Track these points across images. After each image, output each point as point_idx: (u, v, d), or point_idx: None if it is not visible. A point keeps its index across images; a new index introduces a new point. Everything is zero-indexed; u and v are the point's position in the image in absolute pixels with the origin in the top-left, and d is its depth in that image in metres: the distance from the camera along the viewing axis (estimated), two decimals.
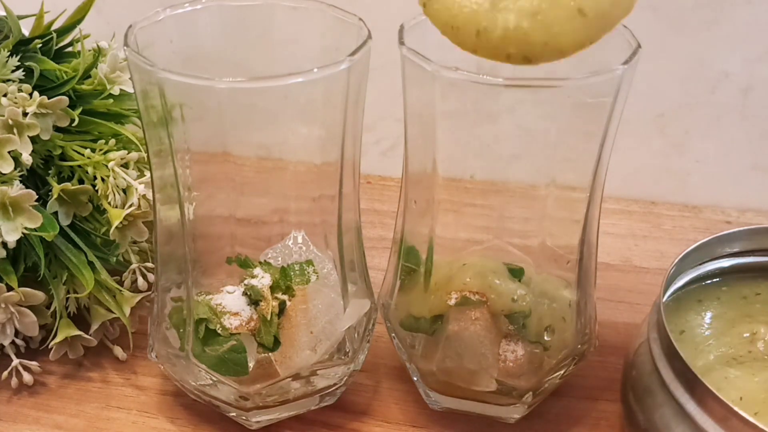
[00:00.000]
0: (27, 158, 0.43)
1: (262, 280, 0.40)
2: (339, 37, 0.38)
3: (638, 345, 0.39)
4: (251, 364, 0.39)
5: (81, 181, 0.45)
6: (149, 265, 0.47)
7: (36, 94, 0.44)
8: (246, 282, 0.40)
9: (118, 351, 0.46)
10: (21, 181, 0.43)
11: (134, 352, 0.47)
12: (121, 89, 0.47)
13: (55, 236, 0.43)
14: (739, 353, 0.38)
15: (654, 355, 0.37)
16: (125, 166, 0.45)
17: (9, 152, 0.42)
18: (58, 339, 0.44)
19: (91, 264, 0.45)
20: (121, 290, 0.45)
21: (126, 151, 0.45)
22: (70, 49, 0.50)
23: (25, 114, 0.43)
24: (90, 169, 0.45)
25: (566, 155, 0.38)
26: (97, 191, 0.45)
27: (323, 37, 0.39)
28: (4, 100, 0.43)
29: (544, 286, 0.40)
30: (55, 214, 0.44)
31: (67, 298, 0.45)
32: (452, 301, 0.40)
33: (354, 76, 0.36)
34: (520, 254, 0.42)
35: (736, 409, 0.32)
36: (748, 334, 0.39)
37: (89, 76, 0.47)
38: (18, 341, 0.45)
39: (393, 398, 0.45)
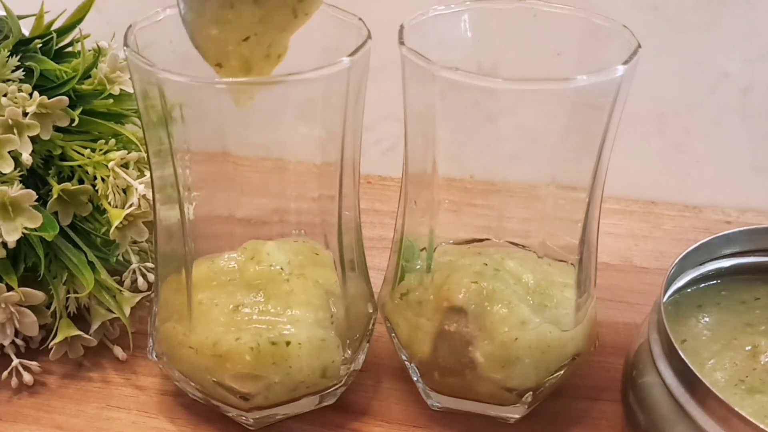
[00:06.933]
0: (27, 158, 0.43)
1: None
2: (339, 37, 0.38)
3: (638, 345, 0.39)
4: None
5: (81, 181, 0.45)
6: (149, 265, 0.47)
7: (36, 94, 0.44)
8: None
9: (118, 351, 0.46)
10: (21, 181, 0.43)
11: (134, 352, 0.47)
12: (121, 89, 0.47)
13: (55, 236, 0.43)
14: (745, 373, 0.38)
15: (654, 355, 0.37)
16: (125, 166, 0.45)
17: (9, 152, 0.43)
18: (58, 339, 0.44)
19: (91, 264, 0.45)
20: (121, 290, 0.45)
21: (126, 151, 0.45)
22: (70, 49, 0.50)
23: (25, 114, 0.43)
24: (90, 169, 0.45)
25: (566, 155, 0.38)
26: (97, 191, 0.45)
27: (323, 37, 0.39)
28: (4, 100, 0.43)
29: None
30: (55, 214, 0.44)
31: (67, 298, 0.45)
32: (449, 303, 0.39)
33: (354, 76, 0.36)
34: (520, 254, 0.42)
35: (736, 409, 0.32)
36: (749, 347, 0.39)
37: (89, 76, 0.47)
38: (18, 341, 0.45)
39: (393, 398, 0.45)
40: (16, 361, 0.44)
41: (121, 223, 0.43)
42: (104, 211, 0.45)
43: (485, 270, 0.40)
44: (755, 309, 0.41)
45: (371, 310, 0.43)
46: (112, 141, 0.46)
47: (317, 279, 0.40)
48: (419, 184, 0.40)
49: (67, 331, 0.44)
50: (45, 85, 0.46)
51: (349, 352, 0.41)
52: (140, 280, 0.46)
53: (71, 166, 0.45)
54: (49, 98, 0.44)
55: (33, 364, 0.45)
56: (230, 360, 0.38)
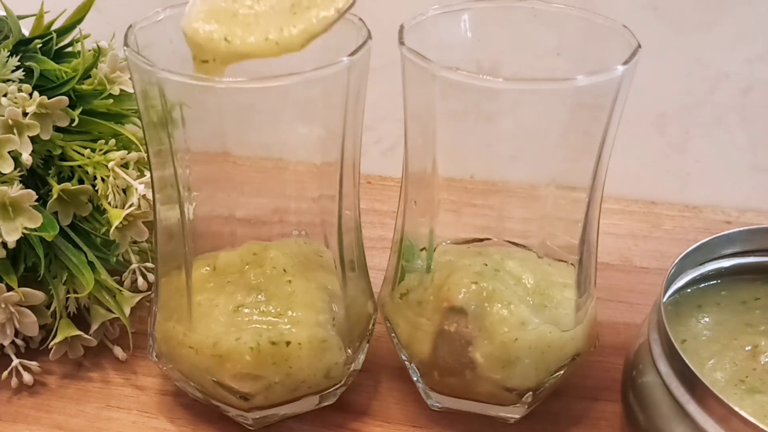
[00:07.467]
0: (27, 158, 0.43)
1: None
2: (339, 37, 0.38)
3: (638, 345, 0.39)
4: None
5: (81, 181, 0.45)
6: (149, 265, 0.47)
7: (36, 94, 0.44)
8: None
9: (118, 351, 0.46)
10: (21, 181, 0.43)
11: (134, 352, 0.47)
12: (121, 89, 0.47)
13: (55, 236, 0.43)
14: (745, 373, 0.38)
15: (654, 355, 0.37)
16: (125, 166, 0.45)
17: (9, 152, 0.43)
18: (58, 339, 0.44)
19: (91, 264, 0.45)
20: (121, 290, 0.45)
21: (126, 151, 0.45)
22: (70, 49, 0.50)
23: (25, 114, 0.43)
24: (90, 169, 0.45)
25: (566, 155, 0.38)
26: (97, 191, 0.45)
27: (323, 37, 0.39)
28: (4, 100, 0.43)
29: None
30: (55, 214, 0.44)
31: (67, 298, 0.45)
32: (449, 303, 0.39)
33: (354, 76, 0.36)
34: (520, 254, 0.42)
35: (736, 409, 0.32)
36: (749, 348, 0.39)
37: (89, 76, 0.47)
38: (18, 341, 0.45)
39: (393, 398, 0.45)
40: (16, 361, 0.44)
41: (121, 223, 0.43)
42: (104, 211, 0.45)
43: (485, 270, 0.40)
44: (755, 309, 0.41)
45: (371, 310, 0.43)
46: (112, 141, 0.46)
47: (320, 281, 0.40)
48: (419, 184, 0.40)
49: (67, 331, 0.44)
50: (45, 85, 0.46)
51: (350, 352, 0.41)
52: (140, 280, 0.46)
53: (71, 166, 0.45)
54: (49, 98, 0.43)
55: (33, 364, 0.45)
56: (230, 360, 0.38)
